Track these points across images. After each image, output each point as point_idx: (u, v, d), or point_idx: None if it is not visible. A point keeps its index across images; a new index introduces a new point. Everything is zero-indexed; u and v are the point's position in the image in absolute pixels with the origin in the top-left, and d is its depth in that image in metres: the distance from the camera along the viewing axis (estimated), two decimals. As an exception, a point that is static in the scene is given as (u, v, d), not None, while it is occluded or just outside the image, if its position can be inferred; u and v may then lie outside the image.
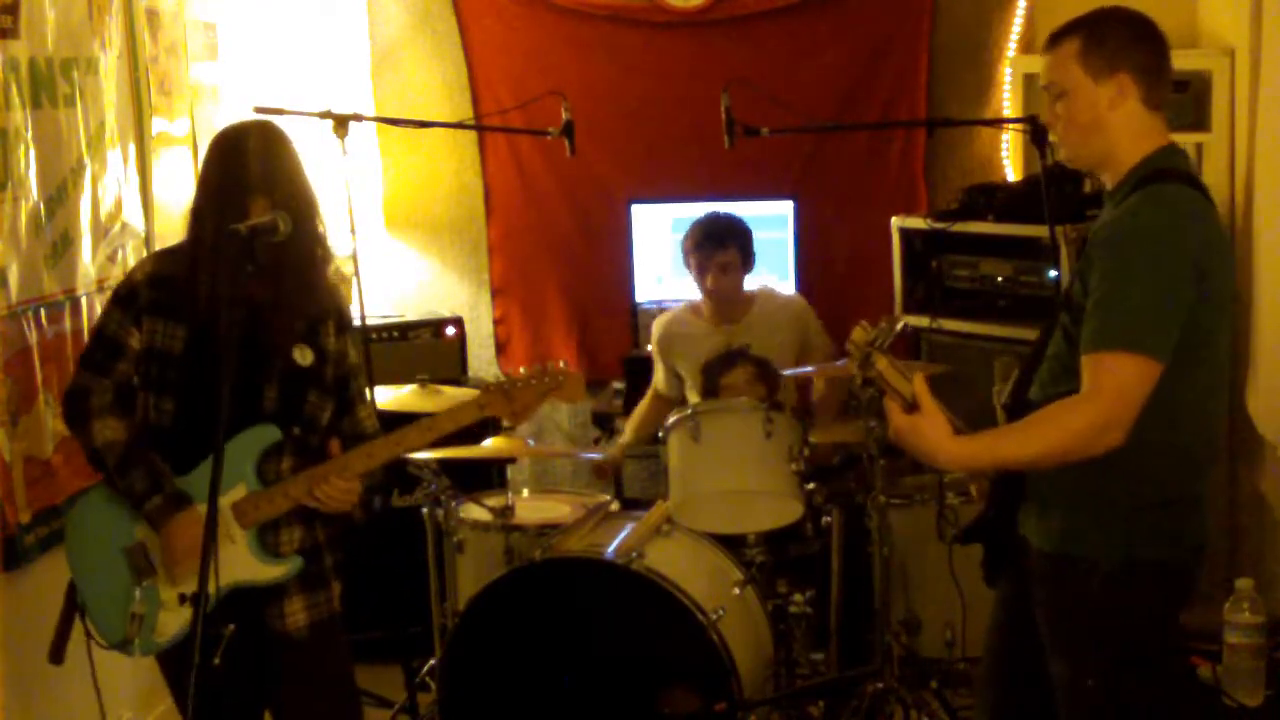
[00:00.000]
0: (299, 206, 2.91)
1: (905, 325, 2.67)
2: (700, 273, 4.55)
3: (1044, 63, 2.67)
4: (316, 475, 2.90)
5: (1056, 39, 2.65)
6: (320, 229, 3.00)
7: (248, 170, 2.88)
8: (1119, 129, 2.61)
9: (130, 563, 2.90)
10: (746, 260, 4.58)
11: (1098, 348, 2.47)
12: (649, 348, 4.90)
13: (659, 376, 4.75)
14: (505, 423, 3.54)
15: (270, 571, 2.92)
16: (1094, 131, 2.62)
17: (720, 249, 4.51)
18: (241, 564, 2.87)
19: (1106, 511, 2.58)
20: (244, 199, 2.87)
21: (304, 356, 2.96)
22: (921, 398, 2.48)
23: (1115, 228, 2.53)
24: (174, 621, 2.89)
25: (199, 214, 2.95)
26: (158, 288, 2.93)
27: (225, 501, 2.86)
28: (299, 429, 2.96)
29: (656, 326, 4.76)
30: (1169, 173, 2.58)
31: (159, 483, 2.87)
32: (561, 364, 3.01)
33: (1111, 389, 2.44)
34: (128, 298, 2.95)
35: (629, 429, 4.77)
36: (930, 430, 2.48)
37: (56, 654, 2.94)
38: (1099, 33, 2.61)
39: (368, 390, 3.21)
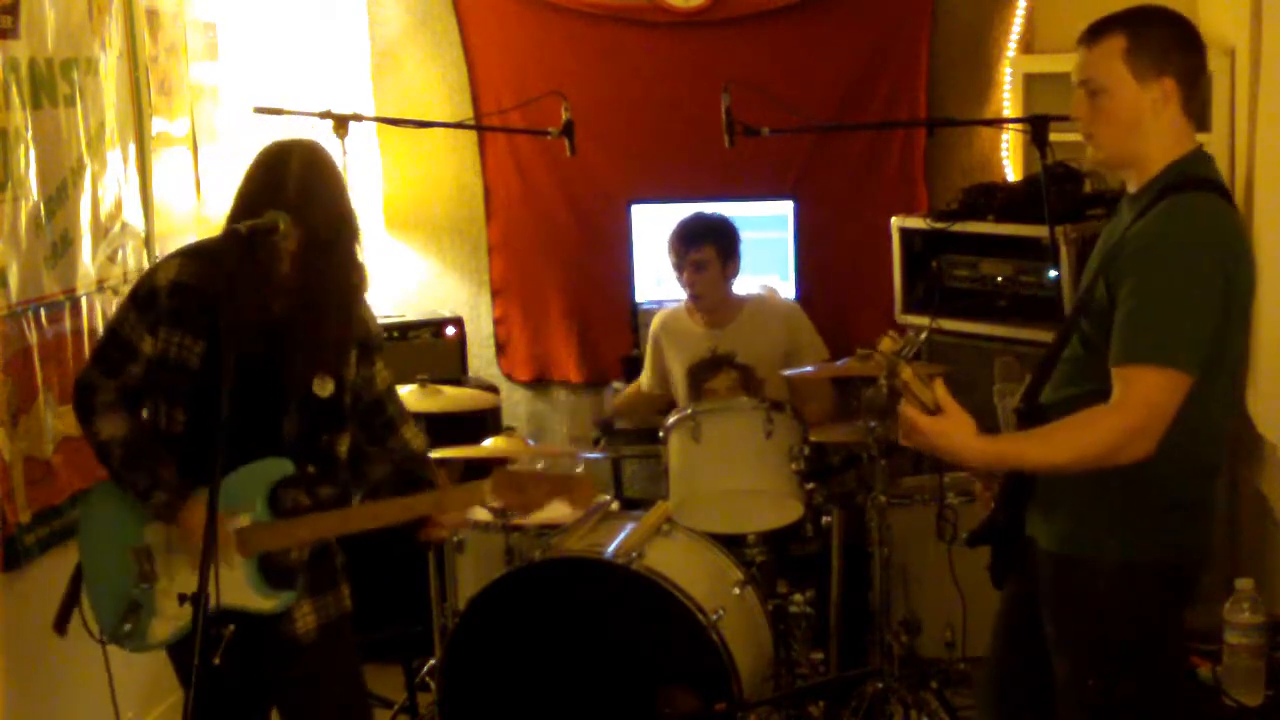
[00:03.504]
0: (337, 230, 2.88)
1: (927, 334, 2.69)
2: (678, 271, 4.55)
3: (1081, 56, 2.61)
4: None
5: (1097, 33, 2.60)
6: (359, 255, 2.96)
7: (285, 190, 2.81)
8: (1156, 133, 2.58)
9: (135, 563, 2.90)
10: (727, 259, 4.53)
11: (1130, 361, 2.46)
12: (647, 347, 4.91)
13: (646, 374, 4.77)
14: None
15: (263, 603, 2.88)
16: (1131, 133, 2.59)
17: (695, 247, 4.48)
18: (236, 590, 2.82)
19: (1114, 513, 2.59)
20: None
21: (324, 388, 2.93)
22: (944, 400, 2.49)
23: (1147, 238, 2.51)
24: (164, 628, 2.90)
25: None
26: (178, 296, 2.87)
27: (230, 526, 2.84)
28: (315, 465, 2.94)
29: (656, 319, 4.77)
30: (1198, 181, 2.56)
31: (161, 478, 2.85)
32: (579, 470, 3.01)
33: (1142, 402, 2.44)
34: (146, 300, 2.89)
35: (617, 398, 4.86)
36: (956, 430, 2.49)
37: (60, 624, 2.95)
38: (1146, 33, 2.57)
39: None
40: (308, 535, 2.92)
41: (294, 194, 2.82)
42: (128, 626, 2.87)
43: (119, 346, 2.91)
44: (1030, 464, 2.58)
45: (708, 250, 4.49)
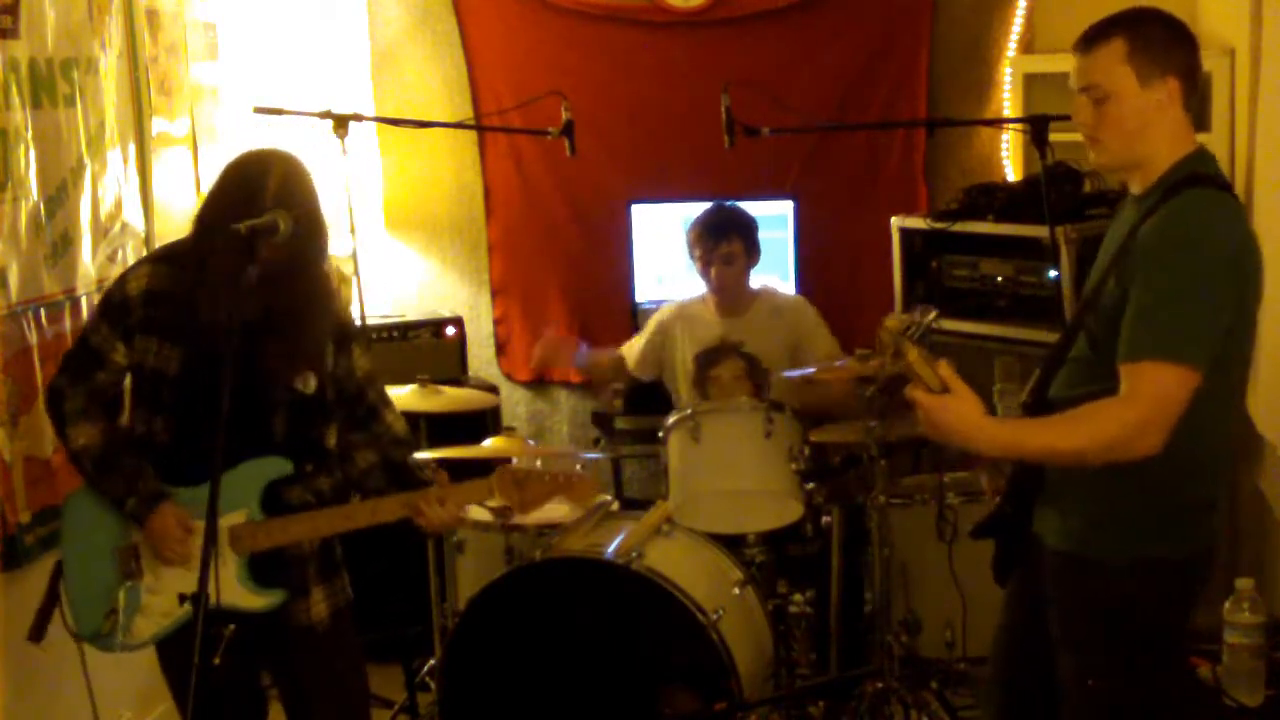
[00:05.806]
0: (318, 236, 2.89)
1: (937, 315, 2.65)
2: (704, 265, 4.55)
3: (1080, 64, 2.61)
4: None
5: (1094, 39, 2.59)
6: (328, 262, 2.98)
7: (266, 191, 2.79)
8: (1161, 133, 2.58)
9: (119, 562, 2.90)
10: (751, 252, 4.56)
11: (1139, 356, 2.46)
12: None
13: (634, 352, 4.73)
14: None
15: (254, 601, 2.89)
16: (1139, 136, 2.59)
17: (723, 240, 4.50)
18: (226, 588, 2.78)
19: (1123, 512, 2.58)
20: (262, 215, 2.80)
21: (307, 384, 2.93)
22: (951, 381, 2.47)
23: (1157, 236, 2.51)
24: (148, 627, 2.90)
25: (205, 230, 2.83)
26: (153, 305, 2.86)
27: (224, 523, 2.83)
28: (310, 461, 2.94)
29: (673, 305, 4.75)
30: (1203, 178, 2.57)
31: (133, 485, 2.86)
32: (579, 468, 3.01)
33: (1151, 397, 2.43)
34: (118, 310, 2.88)
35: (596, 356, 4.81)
36: (965, 410, 2.47)
37: (37, 633, 2.94)
38: (1144, 34, 2.56)
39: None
40: (305, 533, 2.92)
41: (274, 192, 2.80)
42: (109, 625, 2.87)
43: (87, 354, 2.91)
44: (1039, 450, 2.56)
45: (736, 244, 4.51)
